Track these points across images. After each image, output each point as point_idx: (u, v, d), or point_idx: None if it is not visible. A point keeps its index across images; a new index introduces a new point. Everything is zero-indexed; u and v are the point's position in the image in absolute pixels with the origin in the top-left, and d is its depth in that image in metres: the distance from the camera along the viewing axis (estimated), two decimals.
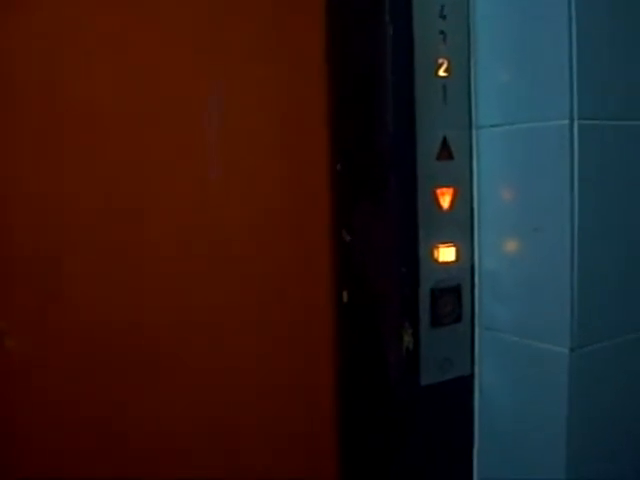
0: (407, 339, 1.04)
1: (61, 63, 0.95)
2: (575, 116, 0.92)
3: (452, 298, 1.06)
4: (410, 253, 1.03)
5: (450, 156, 1.04)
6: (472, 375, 1.10)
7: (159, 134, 1.02)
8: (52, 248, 0.96)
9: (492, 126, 1.04)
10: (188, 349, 1.06)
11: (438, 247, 1.05)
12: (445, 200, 1.04)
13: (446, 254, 1.05)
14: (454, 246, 1.05)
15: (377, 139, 1.03)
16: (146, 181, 1.01)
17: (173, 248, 1.04)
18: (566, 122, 0.93)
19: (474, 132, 1.06)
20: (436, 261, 1.05)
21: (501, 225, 1.05)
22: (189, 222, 1.05)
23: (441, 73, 1.02)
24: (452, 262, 1.06)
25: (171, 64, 1.02)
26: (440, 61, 1.02)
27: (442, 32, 1.01)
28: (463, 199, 1.06)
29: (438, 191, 1.04)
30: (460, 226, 1.06)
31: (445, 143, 1.03)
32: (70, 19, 0.95)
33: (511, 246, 1.04)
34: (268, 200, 1.11)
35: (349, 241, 1.11)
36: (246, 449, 1.12)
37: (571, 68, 0.92)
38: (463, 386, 1.09)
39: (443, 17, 1.01)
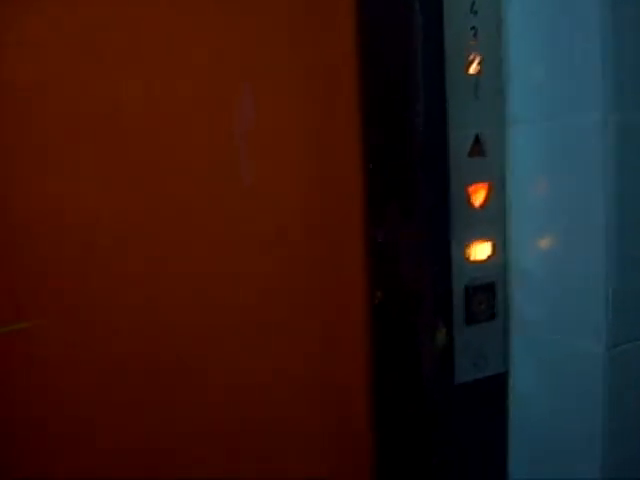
0: (441, 337, 1.03)
1: (90, 67, 0.96)
2: (609, 110, 0.91)
3: (486, 296, 1.05)
4: (443, 251, 1.03)
5: (483, 153, 1.03)
6: (507, 373, 1.09)
7: (188, 139, 1.03)
8: (81, 248, 0.98)
9: (525, 122, 1.03)
10: (219, 350, 1.07)
11: (471, 244, 1.04)
12: (478, 197, 1.04)
13: (479, 251, 1.04)
14: (487, 243, 1.05)
15: (407, 137, 1.03)
16: (177, 184, 1.02)
17: (205, 250, 1.05)
18: (600, 116, 0.91)
19: (507, 128, 1.05)
20: (469, 259, 1.04)
21: (535, 221, 1.04)
22: (221, 224, 1.06)
23: (473, 70, 1.02)
24: (486, 259, 1.05)
25: (200, 67, 1.03)
26: (471, 57, 1.01)
27: (473, 28, 1.01)
28: (496, 196, 1.05)
29: (470, 188, 1.03)
30: (493, 223, 1.05)
31: (477, 140, 1.03)
32: (100, 22, 0.96)
33: (545, 243, 1.03)
34: (300, 201, 1.11)
35: (382, 240, 1.11)
36: (281, 448, 1.12)
37: (604, 62, 0.90)
38: (497, 384, 1.08)
39: (474, 13, 1.00)
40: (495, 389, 1.08)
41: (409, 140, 1.03)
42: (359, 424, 1.18)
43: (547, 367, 1.04)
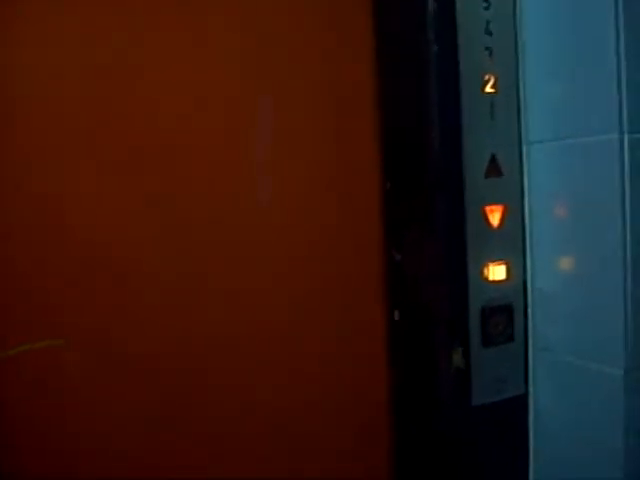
0: (457, 358, 1.03)
1: (120, 83, 0.99)
2: (625, 130, 0.90)
3: (503, 317, 1.04)
4: (459, 272, 1.02)
5: (499, 173, 1.03)
6: (526, 395, 1.07)
7: (210, 154, 1.05)
8: (114, 265, 1.00)
9: (542, 142, 1.02)
10: (241, 367, 1.08)
11: (488, 265, 1.03)
12: (495, 217, 1.03)
13: (496, 272, 1.04)
14: (505, 264, 1.04)
15: (423, 157, 1.03)
16: (197, 200, 1.04)
17: (226, 266, 1.07)
18: (616, 136, 0.90)
19: (524, 148, 1.04)
20: (486, 279, 1.03)
21: (553, 242, 1.03)
22: (241, 245, 1.07)
23: (488, 89, 1.01)
24: (503, 280, 1.04)
25: (221, 85, 1.06)
26: (487, 77, 1.01)
27: (488, 48, 1.01)
28: (513, 216, 1.04)
29: (487, 208, 1.03)
30: (511, 244, 1.05)
31: (494, 160, 1.02)
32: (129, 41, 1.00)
33: (564, 264, 1.02)
34: (319, 219, 1.12)
35: (399, 260, 1.11)
36: (303, 468, 1.13)
37: (620, 83, 0.90)
38: (517, 406, 1.07)
39: (489, 33, 1.00)
40: (514, 411, 1.07)
41: (425, 161, 1.03)
42: (379, 440, 1.18)
43: (567, 389, 1.02)
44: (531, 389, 1.07)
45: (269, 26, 1.08)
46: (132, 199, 1.01)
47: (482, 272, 1.03)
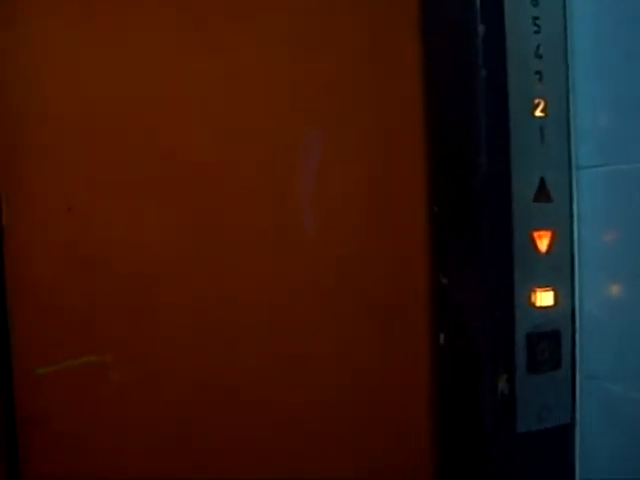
0: (502, 384, 1.01)
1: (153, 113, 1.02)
2: None
3: (550, 344, 1.02)
4: (505, 297, 1.01)
5: (548, 198, 1.01)
6: (573, 424, 1.05)
7: (256, 185, 1.07)
8: (152, 284, 1.03)
9: (593, 167, 1.01)
10: (284, 386, 1.09)
11: (535, 291, 1.02)
12: (543, 243, 1.02)
13: (544, 298, 1.02)
14: (552, 290, 1.02)
15: (471, 181, 1.02)
16: (243, 231, 1.06)
17: (271, 293, 1.08)
18: None
19: (574, 173, 1.03)
20: (533, 305, 1.02)
21: (603, 269, 1.01)
22: (287, 273, 1.09)
23: (538, 113, 1.00)
24: (550, 306, 1.02)
25: (269, 111, 1.07)
26: (537, 101, 1.00)
27: (538, 72, 1.00)
28: (562, 242, 1.03)
29: (535, 234, 1.01)
30: (559, 270, 1.03)
31: (543, 184, 1.01)
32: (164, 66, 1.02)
33: (614, 291, 1.00)
34: (368, 245, 1.12)
35: (445, 284, 1.10)
36: None
37: None
38: (563, 435, 1.05)
39: (539, 57, 0.99)
40: (560, 440, 1.05)
41: (472, 183, 1.02)
42: (424, 469, 1.17)
43: (615, 420, 1.00)
44: (578, 418, 1.05)
45: (316, 53, 1.09)
46: (177, 230, 1.04)
47: (529, 298, 1.01)
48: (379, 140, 1.12)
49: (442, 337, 1.12)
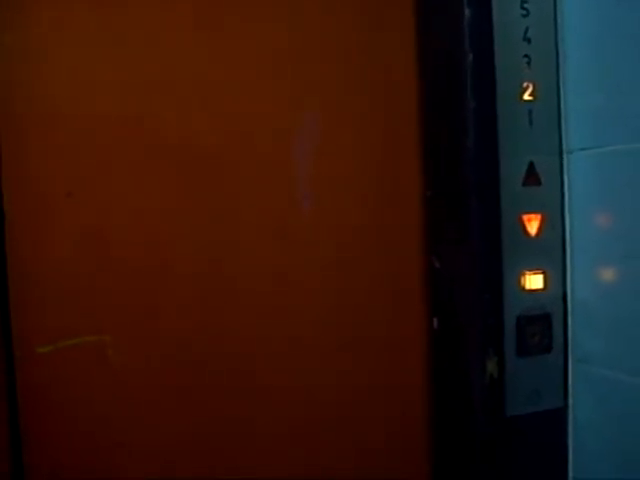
0: (491, 367, 1.02)
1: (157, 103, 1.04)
2: None
3: (540, 327, 1.02)
4: (494, 280, 1.01)
5: (537, 181, 1.02)
6: (565, 408, 1.05)
7: (251, 165, 1.08)
8: (152, 268, 1.05)
9: (582, 149, 1.01)
10: (282, 369, 1.11)
11: (525, 274, 1.02)
12: (532, 226, 1.02)
13: (533, 281, 1.02)
14: (542, 273, 1.02)
15: (459, 165, 1.03)
16: (237, 211, 1.08)
17: (269, 274, 1.09)
18: None
19: (564, 156, 1.03)
20: (523, 288, 1.02)
21: (594, 252, 1.00)
22: (282, 252, 1.10)
23: (526, 97, 1.00)
24: (540, 290, 1.03)
25: (265, 92, 1.08)
26: (525, 85, 1.00)
27: (526, 56, 1.00)
28: (552, 225, 1.03)
29: (525, 217, 1.02)
30: (549, 253, 1.03)
31: (532, 168, 1.01)
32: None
33: (605, 274, 0.99)
34: (361, 225, 1.13)
35: (438, 267, 1.11)
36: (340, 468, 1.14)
37: None
38: (555, 419, 1.05)
39: (527, 40, 1.00)
40: (552, 424, 1.05)
41: (460, 167, 1.03)
42: (418, 452, 1.18)
43: (607, 403, 0.99)
44: (570, 402, 1.05)
45: (315, 37, 1.10)
46: (176, 212, 1.05)
47: (519, 281, 1.02)
48: (374, 123, 1.13)
49: (436, 321, 1.13)
